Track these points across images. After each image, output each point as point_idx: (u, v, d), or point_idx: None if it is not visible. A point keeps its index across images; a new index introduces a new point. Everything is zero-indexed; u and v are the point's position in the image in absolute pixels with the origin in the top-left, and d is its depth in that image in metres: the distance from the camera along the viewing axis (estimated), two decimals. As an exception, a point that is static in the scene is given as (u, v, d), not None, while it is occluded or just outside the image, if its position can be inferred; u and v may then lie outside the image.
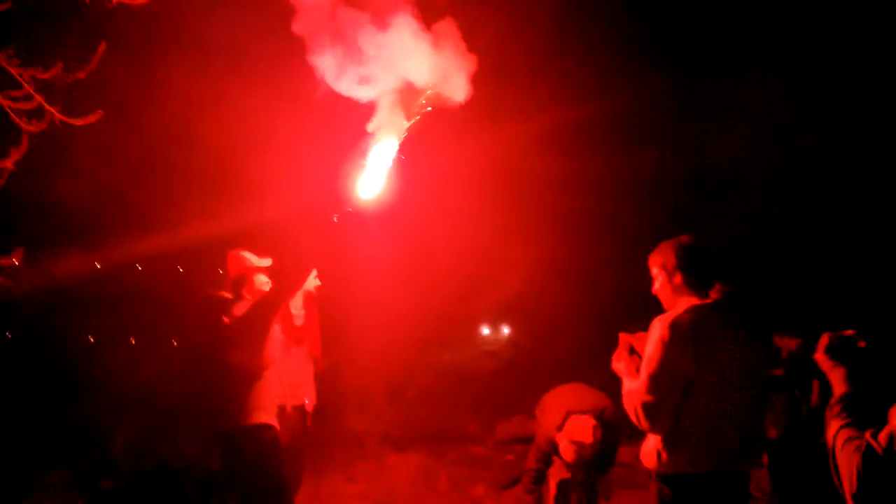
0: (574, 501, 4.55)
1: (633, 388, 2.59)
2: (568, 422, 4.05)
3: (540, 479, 4.40)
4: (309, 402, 4.14)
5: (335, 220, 3.50)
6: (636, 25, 8.70)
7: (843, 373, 2.02)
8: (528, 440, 8.54)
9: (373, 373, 9.23)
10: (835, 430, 1.89)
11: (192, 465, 4.47)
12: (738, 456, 2.56)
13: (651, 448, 2.65)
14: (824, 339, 2.11)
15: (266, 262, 4.08)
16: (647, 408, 2.52)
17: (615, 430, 4.17)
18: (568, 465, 4.39)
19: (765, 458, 4.58)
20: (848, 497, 1.75)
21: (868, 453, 1.69)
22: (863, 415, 1.87)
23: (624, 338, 2.86)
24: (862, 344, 2.06)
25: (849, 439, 1.79)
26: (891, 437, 1.67)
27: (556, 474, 4.52)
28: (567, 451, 4.05)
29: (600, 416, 4.07)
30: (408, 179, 3.77)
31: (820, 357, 2.10)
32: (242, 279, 3.87)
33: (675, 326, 2.54)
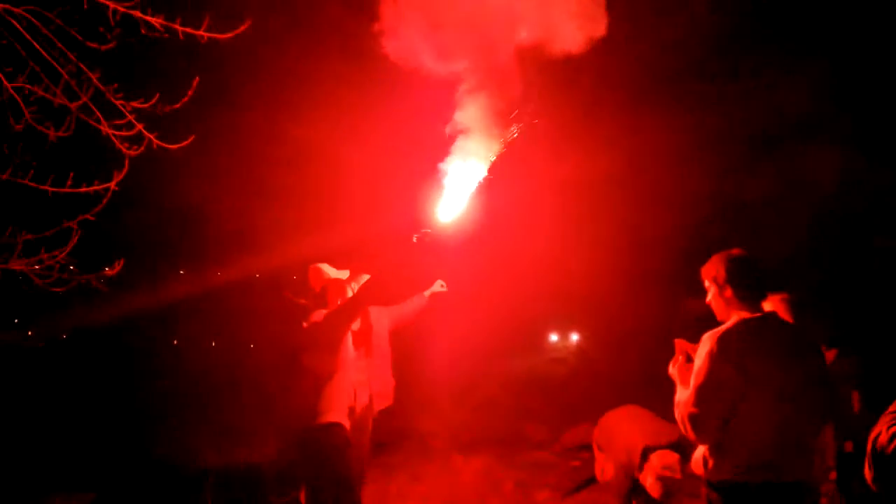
0: None
1: (683, 399, 2.69)
2: (651, 457, 4.12)
3: None
4: (375, 403, 4.38)
5: (414, 240, 3.75)
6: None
7: None
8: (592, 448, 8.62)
9: (440, 378, 9.47)
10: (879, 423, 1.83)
11: (267, 462, 4.80)
12: (787, 467, 2.61)
13: (699, 455, 2.74)
14: None
15: (344, 273, 4.40)
16: (694, 419, 2.62)
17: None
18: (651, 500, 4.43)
19: (833, 474, 4.55)
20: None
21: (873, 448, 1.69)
22: None
23: (680, 344, 2.95)
24: None
25: (880, 434, 1.77)
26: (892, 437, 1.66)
27: None
28: (654, 488, 4.10)
29: (679, 448, 4.13)
30: (485, 197, 3.96)
31: None
32: (328, 289, 4.18)
33: (722, 341, 2.62)
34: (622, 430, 4.42)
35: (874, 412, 3.45)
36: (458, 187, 3.68)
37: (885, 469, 1.60)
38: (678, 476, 4.00)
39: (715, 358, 2.60)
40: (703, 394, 2.61)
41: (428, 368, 9.43)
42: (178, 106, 3.63)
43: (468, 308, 9.48)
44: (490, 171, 3.69)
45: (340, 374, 3.91)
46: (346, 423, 3.88)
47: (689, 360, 2.91)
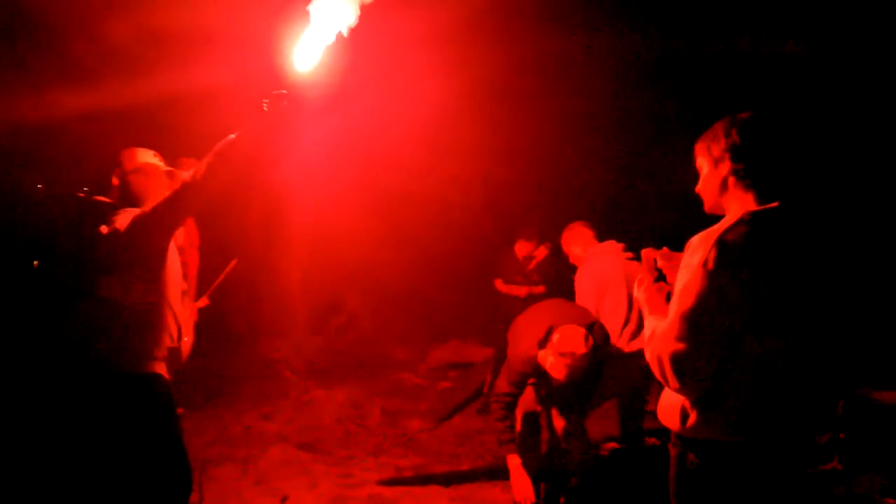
0: (543, 441, 4.01)
1: (660, 332, 1.89)
2: (553, 334, 3.42)
3: (512, 405, 3.76)
4: (186, 341, 3.29)
5: (265, 107, 2.58)
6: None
7: None
8: (463, 366, 8.08)
9: (295, 297, 8.36)
10: None
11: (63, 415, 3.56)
12: (800, 422, 1.92)
13: (674, 403, 1.98)
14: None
15: (166, 168, 3.11)
16: (678, 360, 1.82)
17: (600, 355, 3.53)
18: (548, 394, 3.84)
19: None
20: None
21: None
22: None
23: (648, 254, 2.14)
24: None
25: None
26: None
27: (522, 405, 3.92)
28: (556, 367, 3.40)
29: (589, 329, 3.45)
30: (352, 58, 2.85)
31: None
32: (142, 178, 2.92)
33: (724, 246, 1.82)
34: (532, 317, 3.72)
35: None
36: (320, 31, 2.52)
37: None
38: (582, 351, 3.33)
39: (712, 272, 1.80)
40: (693, 323, 1.80)
41: (279, 287, 8.28)
42: None
43: (326, 213, 8.28)
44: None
45: (161, 306, 2.75)
46: (166, 374, 2.77)
47: (660, 277, 2.13)
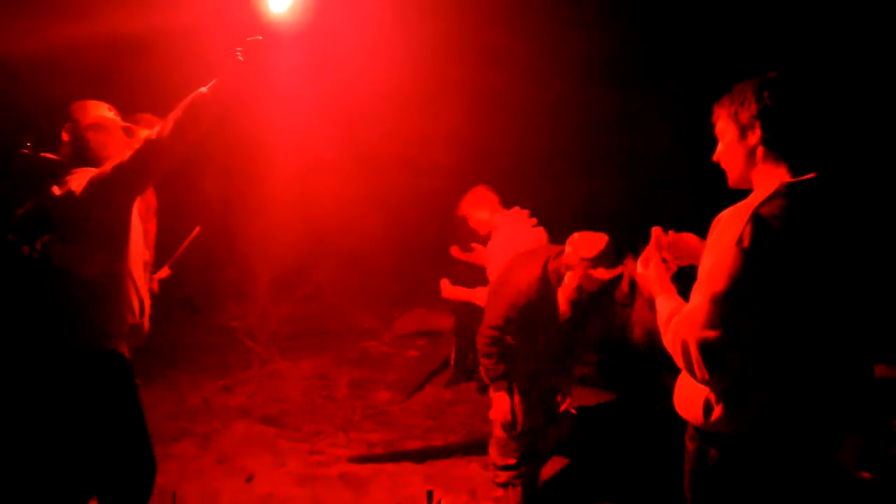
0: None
1: (685, 317, 1.71)
2: (566, 250, 3.06)
3: (500, 341, 3.39)
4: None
5: (240, 57, 2.31)
6: None
7: None
8: (430, 334, 7.89)
9: (260, 262, 8.01)
10: None
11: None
12: (833, 412, 1.79)
13: (695, 394, 1.82)
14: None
15: (123, 124, 2.79)
16: (709, 348, 1.64)
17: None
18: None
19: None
20: None
21: None
22: None
23: (658, 233, 1.97)
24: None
25: None
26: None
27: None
28: (604, 273, 2.99)
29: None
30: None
31: None
32: (101, 135, 2.61)
33: (761, 222, 1.64)
34: (517, 263, 3.39)
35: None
36: None
37: None
38: (606, 238, 3.00)
39: (749, 249, 1.63)
40: (728, 307, 1.64)
41: (241, 252, 7.92)
42: None
43: (292, 177, 7.90)
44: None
45: (123, 279, 2.48)
46: (126, 353, 2.51)
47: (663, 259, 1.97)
